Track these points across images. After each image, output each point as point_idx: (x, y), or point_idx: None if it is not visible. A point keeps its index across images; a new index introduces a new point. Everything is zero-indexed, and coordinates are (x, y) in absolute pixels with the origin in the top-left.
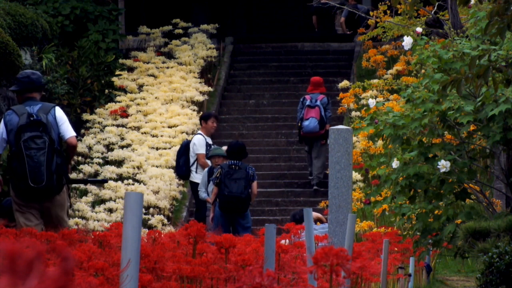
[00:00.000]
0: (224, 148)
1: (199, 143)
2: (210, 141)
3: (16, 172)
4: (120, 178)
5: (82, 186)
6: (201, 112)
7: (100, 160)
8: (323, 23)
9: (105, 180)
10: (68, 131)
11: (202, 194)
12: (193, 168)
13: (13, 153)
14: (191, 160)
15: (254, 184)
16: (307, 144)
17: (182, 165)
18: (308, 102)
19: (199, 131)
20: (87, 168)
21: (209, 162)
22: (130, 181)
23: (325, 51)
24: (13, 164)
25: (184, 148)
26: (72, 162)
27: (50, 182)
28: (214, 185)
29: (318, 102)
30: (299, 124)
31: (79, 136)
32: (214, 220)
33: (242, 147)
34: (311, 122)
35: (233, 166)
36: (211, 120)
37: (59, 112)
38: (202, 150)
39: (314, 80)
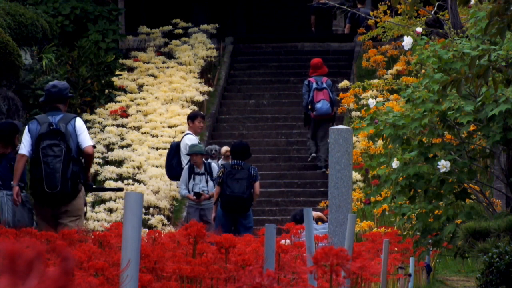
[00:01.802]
0: (225, 148)
1: (191, 143)
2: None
3: (34, 177)
4: (120, 178)
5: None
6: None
7: (100, 160)
8: (322, 23)
9: (120, 189)
10: (85, 140)
11: (183, 191)
12: None
13: (32, 159)
14: (184, 160)
15: (257, 184)
16: (315, 127)
17: (175, 166)
18: (315, 85)
19: (188, 131)
20: None
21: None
22: (130, 181)
23: (325, 51)
24: (32, 170)
25: (175, 149)
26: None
27: (65, 188)
28: (217, 185)
29: (325, 84)
30: (310, 106)
31: None
32: (216, 220)
33: (245, 147)
34: (323, 105)
35: (236, 166)
36: (198, 120)
37: (79, 123)
38: None
39: (314, 63)
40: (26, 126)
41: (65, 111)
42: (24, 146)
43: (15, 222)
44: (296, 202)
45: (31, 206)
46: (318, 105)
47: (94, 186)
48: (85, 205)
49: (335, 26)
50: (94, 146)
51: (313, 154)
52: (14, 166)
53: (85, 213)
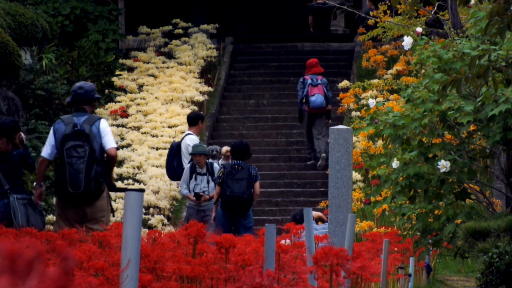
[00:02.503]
0: (225, 148)
1: (194, 143)
2: None
3: (58, 178)
4: (120, 178)
5: None
6: (201, 112)
7: None
8: (320, 23)
9: (142, 190)
10: (109, 142)
11: (184, 190)
12: None
13: (56, 160)
14: (186, 160)
15: (257, 184)
16: (310, 122)
17: (177, 167)
18: (309, 81)
19: (189, 131)
20: None
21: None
22: (130, 181)
23: (325, 51)
24: (56, 170)
25: (176, 150)
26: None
27: (88, 188)
28: (217, 185)
29: (320, 81)
30: (304, 100)
31: None
32: (216, 220)
33: (245, 147)
34: (317, 98)
35: (236, 166)
36: (204, 122)
37: (103, 124)
38: None
39: (309, 62)
40: (52, 127)
41: (90, 112)
42: (46, 149)
43: (29, 227)
44: (296, 202)
45: (42, 208)
46: (312, 98)
47: (117, 187)
48: (110, 205)
49: (335, 26)
50: (117, 148)
51: (312, 161)
52: (36, 169)
53: (113, 212)
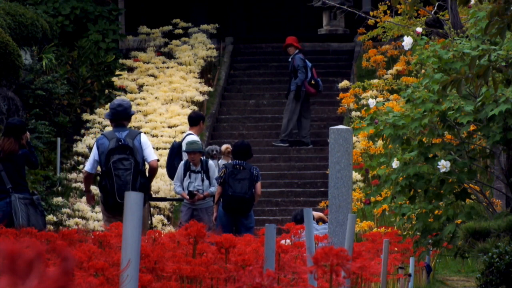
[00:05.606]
0: (225, 145)
1: (189, 141)
2: None
3: (105, 189)
4: None
5: (81, 186)
6: (201, 112)
7: None
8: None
9: (181, 199)
10: (150, 155)
11: (177, 188)
12: None
13: (103, 172)
14: None
15: (258, 184)
16: (304, 103)
17: (177, 167)
18: (310, 64)
19: (190, 131)
20: None
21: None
22: None
23: (325, 51)
24: (103, 182)
25: (177, 150)
26: (70, 162)
27: None
28: (218, 185)
29: (308, 62)
30: (313, 82)
31: (79, 136)
32: (217, 219)
33: (247, 147)
34: (320, 82)
35: (238, 166)
36: (205, 122)
37: (144, 138)
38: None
39: (294, 39)
40: (95, 142)
41: (127, 126)
42: (90, 163)
43: (30, 227)
44: (296, 202)
45: (43, 208)
46: (320, 83)
47: (154, 196)
48: (150, 213)
49: (335, 26)
50: (157, 160)
51: (287, 144)
52: (83, 182)
53: (151, 222)
